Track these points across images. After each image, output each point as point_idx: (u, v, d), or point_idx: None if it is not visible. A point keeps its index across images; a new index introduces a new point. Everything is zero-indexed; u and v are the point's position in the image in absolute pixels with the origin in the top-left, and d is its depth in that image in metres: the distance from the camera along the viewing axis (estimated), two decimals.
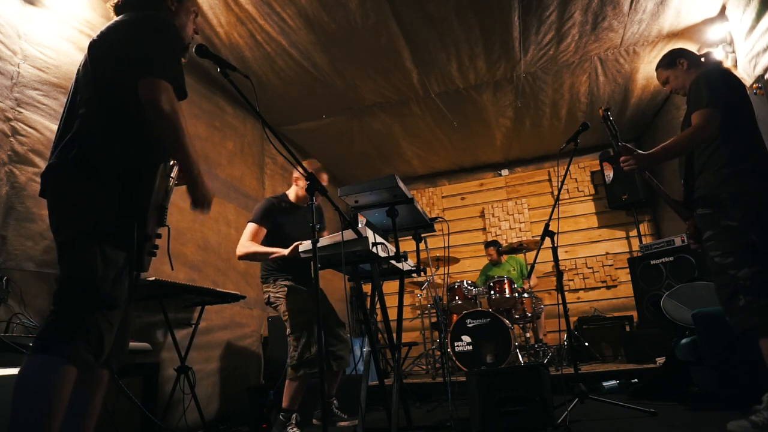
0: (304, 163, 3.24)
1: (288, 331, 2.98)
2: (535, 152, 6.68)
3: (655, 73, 2.67)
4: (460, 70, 4.49)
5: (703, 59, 2.49)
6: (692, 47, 4.20)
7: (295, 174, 3.27)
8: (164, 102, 1.49)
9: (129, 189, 1.51)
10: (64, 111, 1.64)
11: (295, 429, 2.87)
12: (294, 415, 2.91)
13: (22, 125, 2.56)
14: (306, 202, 3.20)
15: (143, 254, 1.55)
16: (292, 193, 3.30)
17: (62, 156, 1.51)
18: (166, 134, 1.51)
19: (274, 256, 2.96)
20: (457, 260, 6.30)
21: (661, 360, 3.85)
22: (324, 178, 3.18)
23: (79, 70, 1.67)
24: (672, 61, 2.49)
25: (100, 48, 1.61)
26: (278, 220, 3.13)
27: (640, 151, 2.39)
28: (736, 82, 2.33)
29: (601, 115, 2.53)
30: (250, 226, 3.09)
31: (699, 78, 2.28)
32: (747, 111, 2.29)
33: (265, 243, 3.07)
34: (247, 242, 3.04)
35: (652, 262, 4.91)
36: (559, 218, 5.43)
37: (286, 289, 3.06)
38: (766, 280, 2.04)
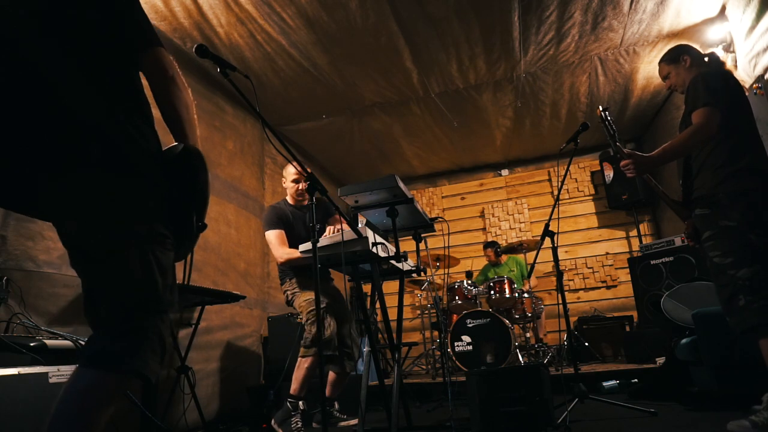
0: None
1: (304, 320, 3.07)
2: (535, 152, 6.68)
3: (655, 74, 2.67)
4: (460, 70, 4.49)
5: (706, 59, 2.48)
6: None
7: (282, 178, 3.44)
8: (177, 74, 1.33)
9: (171, 179, 1.30)
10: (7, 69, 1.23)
11: (299, 422, 2.88)
12: (301, 403, 2.95)
13: None
14: (302, 202, 3.34)
15: (193, 246, 1.39)
16: (288, 197, 3.43)
17: (74, 152, 1.20)
18: (183, 110, 1.32)
19: None
20: (457, 260, 6.31)
21: (661, 360, 3.85)
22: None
23: (14, 32, 1.25)
24: (676, 56, 2.48)
25: (71, 13, 1.29)
26: (286, 222, 3.27)
27: (640, 154, 2.38)
28: (735, 83, 2.33)
29: (599, 115, 2.53)
30: (273, 233, 3.19)
31: (697, 77, 2.28)
32: (745, 111, 2.29)
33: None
34: (283, 249, 3.15)
35: (652, 262, 4.91)
36: (559, 218, 5.44)
37: (300, 284, 3.20)
38: (765, 280, 2.03)
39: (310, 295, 3.10)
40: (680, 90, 2.47)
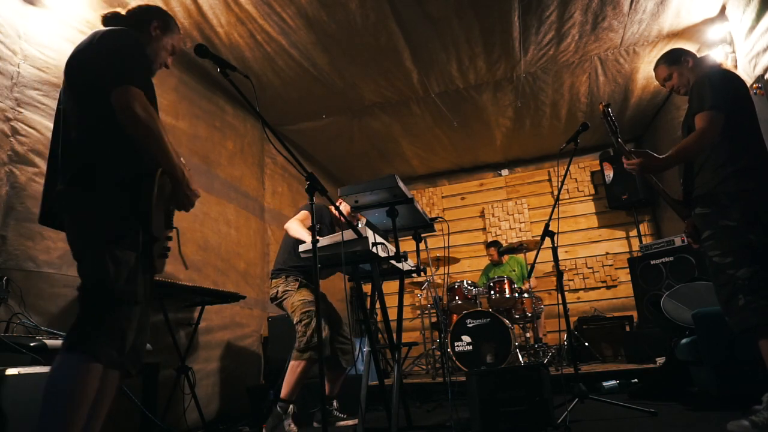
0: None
1: (296, 320, 3.04)
2: (535, 152, 6.68)
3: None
4: (460, 70, 4.49)
5: (704, 60, 2.48)
6: (692, 47, 4.20)
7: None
8: (138, 107, 1.52)
9: (131, 195, 1.56)
10: (57, 139, 1.70)
11: (291, 425, 2.87)
12: (291, 407, 2.92)
13: (22, 125, 2.56)
14: (341, 223, 3.39)
15: (152, 255, 1.61)
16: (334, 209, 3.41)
17: (64, 179, 1.60)
18: (145, 140, 1.56)
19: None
20: (457, 260, 6.31)
21: (661, 360, 3.84)
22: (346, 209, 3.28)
23: (61, 96, 1.74)
24: (677, 57, 2.47)
25: (76, 64, 1.67)
26: (319, 221, 3.27)
27: (651, 155, 2.34)
28: (739, 82, 2.32)
29: (601, 110, 2.51)
30: (304, 213, 3.25)
31: (702, 79, 2.27)
32: (748, 111, 2.28)
33: None
34: (299, 224, 3.16)
35: (652, 262, 4.91)
36: (559, 218, 5.44)
37: (297, 283, 3.19)
38: (765, 280, 2.03)
39: (305, 296, 3.10)
40: (683, 91, 2.46)
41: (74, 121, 1.63)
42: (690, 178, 2.34)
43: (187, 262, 3.54)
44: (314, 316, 2.98)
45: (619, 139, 2.48)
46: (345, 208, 3.22)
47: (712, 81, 2.23)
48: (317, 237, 3.08)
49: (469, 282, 5.20)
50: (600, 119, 2.57)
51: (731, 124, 2.18)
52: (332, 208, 3.30)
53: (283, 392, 2.92)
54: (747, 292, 2.03)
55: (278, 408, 2.90)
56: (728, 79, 2.28)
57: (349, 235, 2.36)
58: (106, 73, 1.58)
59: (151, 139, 1.55)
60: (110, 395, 1.59)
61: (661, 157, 2.31)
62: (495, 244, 5.91)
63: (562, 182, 3.21)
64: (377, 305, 2.84)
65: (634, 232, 6.28)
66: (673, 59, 2.48)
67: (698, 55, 2.49)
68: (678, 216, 2.54)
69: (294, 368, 2.93)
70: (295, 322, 3.05)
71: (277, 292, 3.20)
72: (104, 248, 1.52)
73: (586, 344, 5.28)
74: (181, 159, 2.21)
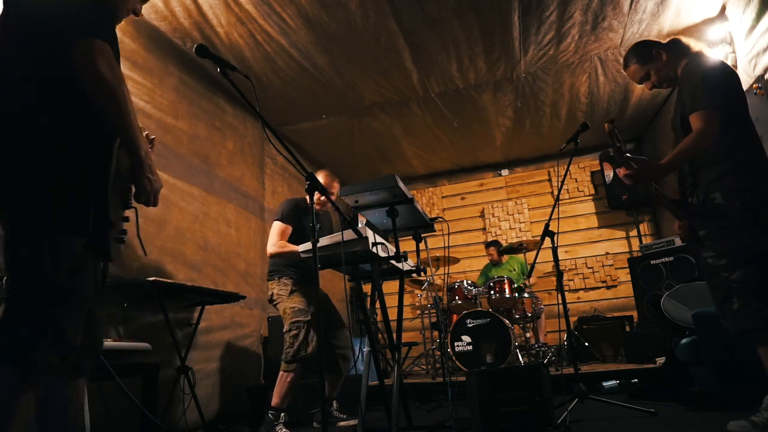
0: (320, 174, 3.30)
1: (285, 328, 3.01)
2: (535, 152, 6.68)
3: None
4: (460, 70, 4.49)
5: (672, 45, 2.33)
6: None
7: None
8: (103, 65, 1.29)
9: (79, 168, 1.31)
10: None
11: (283, 429, 2.87)
12: (282, 415, 2.92)
13: None
14: (324, 208, 3.33)
15: (108, 242, 1.33)
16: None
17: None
18: (106, 103, 1.31)
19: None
20: (457, 260, 6.31)
21: (661, 360, 3.85)
22: (335, 187, 3.29)
23: None
24: (647, 54, 2.33)
25: (21, 6, 1.37)
26: (302, 220, 3.21)
27: (645, 160, 2.26)
28: (731, 74, 2.23)
29: (608, 129, 2.37)
30: (278, 225, 3.18)
31: (694, 73, 2.17)
32: (741, 105, 2.19)
33: (289, 241, 3.15)
34: (277, 241, 3.13)
35: (652, 262, 4.91)
36: (559, 218, 5.44)
37: (288, 287, 3.12)
38: (760, 283, 1.98)
39: (295, 303, 3.05)
40: (665, 86, 2.36)
41: (14, 72, 1.32)
42: (685, 177, 2.28)
43: (187, 262, 3.56)
44: (303, 328, 2.96)
45: (626, 155, 2.31)
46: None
47: (704, 77, 2.13)
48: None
49: (469, 282, 5.20)
50: (601, 124, 2.50)
51: (726, 120, 2.09)
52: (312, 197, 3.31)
53: (274, 401, 2.92)
54: (741, 295, 1.99)
55: (270, 415, 2.90)
56: (721, 72, 2.18)
57: (349, 235, 2.36)
58: (65, 20, 1.32)
59: (113, 103, 1.31)
60: (76, 402, 1.43)
61: (658, 164, 2.22)
62: (495, 243, 5.91)
63: (562, 182, 3.21)
64: (377, 305, 2.84)
65: (634, 232, 6.28)
66: (645, 57, 2.34)
67: (666, 42, 2.35)
68: (674, 217, 2.48)
69: (283, 379, 2.92)
70: (284, 331, 3.01)
71: (272, 294, 3.18)
72: (42, 232, 1.26)
73: (586, 344, 5.28)
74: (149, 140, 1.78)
